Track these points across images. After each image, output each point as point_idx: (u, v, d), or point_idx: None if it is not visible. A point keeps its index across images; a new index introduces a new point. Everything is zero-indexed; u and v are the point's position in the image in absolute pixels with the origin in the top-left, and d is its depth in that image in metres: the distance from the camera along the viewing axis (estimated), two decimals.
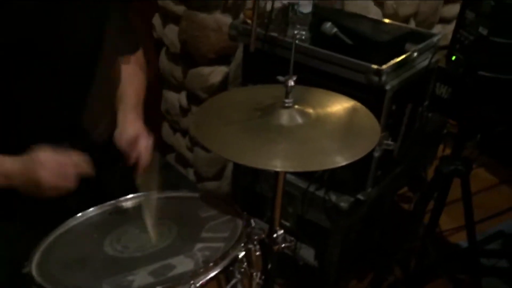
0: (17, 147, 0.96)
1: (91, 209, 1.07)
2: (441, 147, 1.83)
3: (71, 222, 1.03)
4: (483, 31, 1.22)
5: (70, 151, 0.95)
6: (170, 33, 1.98)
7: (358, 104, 1.12)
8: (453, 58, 1.33)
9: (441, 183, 1.46)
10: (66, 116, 1.10)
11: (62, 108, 1.09)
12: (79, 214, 1.05)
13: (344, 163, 0.95)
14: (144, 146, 1.10)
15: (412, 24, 2.41)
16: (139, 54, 1.31)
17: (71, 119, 1.11)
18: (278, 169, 1.04)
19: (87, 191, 1.12)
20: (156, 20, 2.05)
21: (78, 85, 1.11)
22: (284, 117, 1.02)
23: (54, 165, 0.93)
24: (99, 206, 1.08)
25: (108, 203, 1.09)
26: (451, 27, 1.37)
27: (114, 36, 1.15)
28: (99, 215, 1.07)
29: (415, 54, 1.47)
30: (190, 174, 2.12)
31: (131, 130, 1.13)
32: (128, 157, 1.09)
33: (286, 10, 1.66)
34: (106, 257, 0.94)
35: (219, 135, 1.01)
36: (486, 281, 1.76)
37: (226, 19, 1.80)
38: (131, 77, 1.26)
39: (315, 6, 1.67)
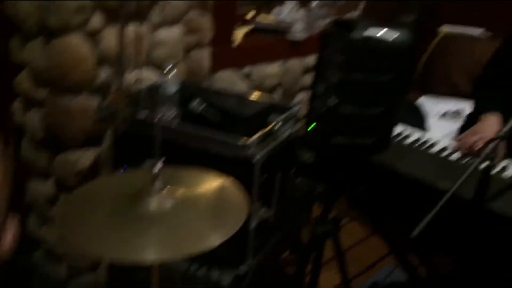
0: None
1: None
2: (316, 206, 1.93)
3: None
4: (333, 101, 1.34)
5: None
6: (33, 119, 1.88)
7: (227, 180, 1.14)
8: (311, 127, 1.43)
9: (316, 244, 1.52)
10: None
11: None
12: None
13: (219, 242, 0.95)
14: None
15: (279, 92, 2.59)
16: None
17: None
18: (150, 260, 0.98)
19: None
20: (17, 106, 1.93)
21: None
22: (153, 204, 1.00)
23: None
24: None
25: None
26: None
27: None
28: None
29: (278, 125, 1.56)
30: (63, 268, 1.95)
31: None
32: None
33: (155, 89, 1.68)
34: None
35: (84, 229, 0.96)
36: None
37: (93, 102, 1.76)
38: None
39: (183, 83, 1.71)
